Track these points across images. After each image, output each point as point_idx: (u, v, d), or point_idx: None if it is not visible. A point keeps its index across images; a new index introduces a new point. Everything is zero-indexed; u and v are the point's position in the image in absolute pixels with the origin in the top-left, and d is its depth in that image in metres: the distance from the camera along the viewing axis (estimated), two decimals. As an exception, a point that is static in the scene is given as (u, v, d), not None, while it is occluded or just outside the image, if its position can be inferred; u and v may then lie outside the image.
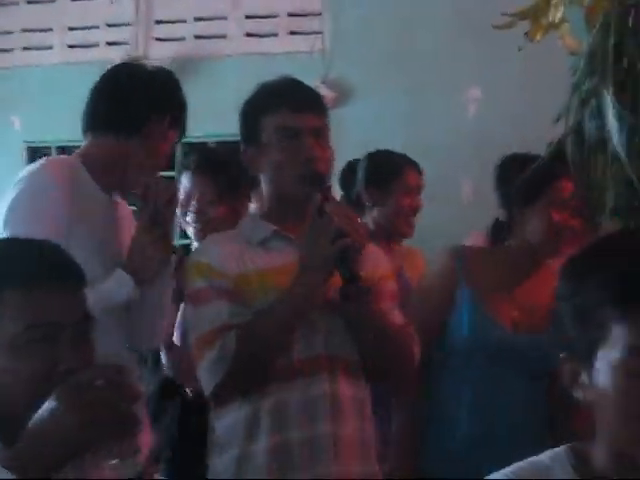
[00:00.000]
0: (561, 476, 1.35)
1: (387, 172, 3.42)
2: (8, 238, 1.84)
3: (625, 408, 1.29)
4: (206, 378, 2.27)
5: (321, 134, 2.35)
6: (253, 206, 3.20)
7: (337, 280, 2.24)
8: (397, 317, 2.40)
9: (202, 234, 3.05)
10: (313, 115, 2.35)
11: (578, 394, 1.35)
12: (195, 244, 3.12)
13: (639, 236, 1.45)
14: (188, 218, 3.15)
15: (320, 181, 2.29)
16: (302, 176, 2.29)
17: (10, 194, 2.44)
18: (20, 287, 1.61)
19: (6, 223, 2.36)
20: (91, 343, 1.64)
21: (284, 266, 2.28)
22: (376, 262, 2.42)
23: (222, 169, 3.22)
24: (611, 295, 1.29)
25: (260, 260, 2.31)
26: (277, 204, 2.37)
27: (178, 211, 2.95)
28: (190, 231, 3.19)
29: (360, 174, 3.44)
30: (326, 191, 2.27)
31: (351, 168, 3.57)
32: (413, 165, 3.48)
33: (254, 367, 2.25)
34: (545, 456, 1.40)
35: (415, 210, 3.45)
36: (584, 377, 1.34)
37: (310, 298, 2.26)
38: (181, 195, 3.14)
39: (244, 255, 2.31)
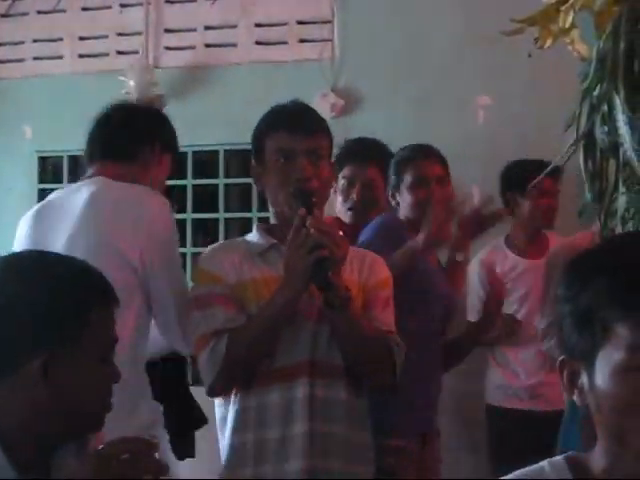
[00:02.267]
0: None
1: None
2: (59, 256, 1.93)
3: (628, 408, 1.28)
4: (202, 376, 2.55)
5: (316, 155, 2.56)
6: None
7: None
8: (387, 322, 2.61)
9: None
10: (308, 137, 2.56)
11: (576, 397, 1.35)
12: None
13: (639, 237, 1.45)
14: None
15: (307, 198, 2.49)
16: (292, 194, 2.52)
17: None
18: (104, 305, 1.71)
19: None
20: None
21: (279, 277, 2.49)
22: (372, 270, 2.64)
23: None
24: (613, 296, 1.29)
25: (257, 270, 2.56)
26: (276, 219, 2.63)
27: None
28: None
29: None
30: (310, 206, 2.47)
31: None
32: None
33: (240, 368, 2.50)
34: (545, 464, 1.40)
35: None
36: (583, 380, 1.34)
37: (288, 306, 2.48)
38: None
39: (243, 265, 2.56)
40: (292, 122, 2.58)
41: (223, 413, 2.58)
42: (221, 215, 5.20)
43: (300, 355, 2.50)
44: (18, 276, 1.71)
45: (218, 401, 2.60)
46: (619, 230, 2.15)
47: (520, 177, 3.97)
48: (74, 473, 1.63)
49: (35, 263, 1.77)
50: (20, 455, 1.62)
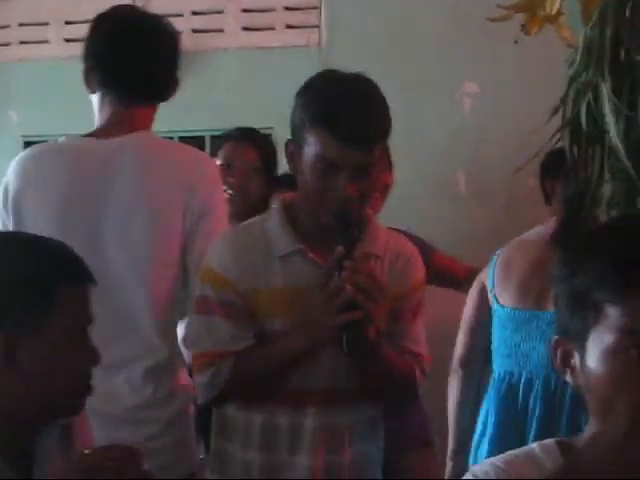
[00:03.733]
0: (552, 467, 1.35)
1: None
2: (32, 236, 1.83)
3: (617, 389, 1.29)
4: (199, 392, 2.30)
5: (365, 169, 2.11)
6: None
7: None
8: (417, 338, 2.33)
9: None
10: (360, 149, 2.09)
11: (569, 377, 1.37)
12: None
13: (636, 220, 1.47)
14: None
15: (347, 228, 2.10)
16: (328, 212, 2.12)
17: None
18: (73, 284, 1.64)
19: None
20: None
21: (297, 288, 2.18)
22: (405, 271, 2.29)
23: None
24: (606, 276, 1.30)
25: (274, 278, 2.20)
26: (305, 212, 2.23)
27: None
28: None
29: None
30: (350, 245, 2.09)
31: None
32: None
33: (243, 394, 2.25)
34: (535, 446, 1.40)
35: None
36: (575, 360, 1.35)
37: (307, 351, 2.18)
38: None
39: (259, 268, 2.20)
40: (344, 126, 2.06)
41: (225, 420, 2.32)
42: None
43: (315, 381, 2.22)
44: None
45: (224, 411, 2.34)
46: (604, 218, 2.15)
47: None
48: (57, 474, 1.61)
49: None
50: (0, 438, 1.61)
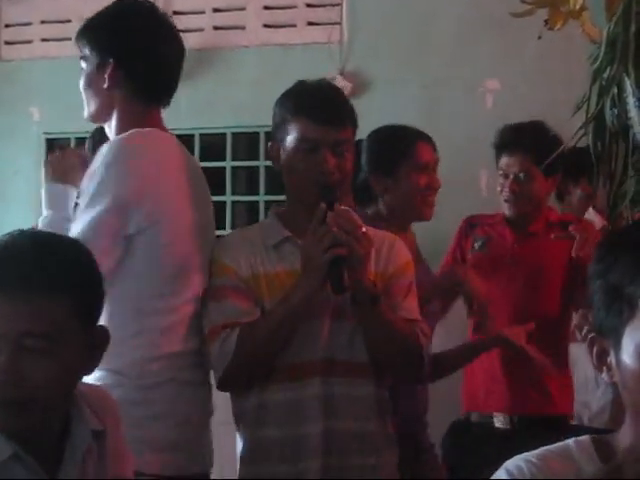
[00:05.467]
0: (587, 465, 1.33)
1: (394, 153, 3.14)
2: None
3: None
4: (213, 368, 2.51)
5: (342, 147, 2.48)
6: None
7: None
8: (411, 310, 2.54)
9: None
10: (335, 129, 2.48)
11: (605, 375, 1.35)
12: None
13: None
14: None
15: (329, 193, 2.43)
16: (314, 187, 2.45)
17: None
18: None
19: None
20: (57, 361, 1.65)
21: (292, 271, 2.45)
22: (390, 256, 2.56)
23: None
24: (639, 273, 1.28)
25: (270, 264, 2.50)
26: (293, 207, 2.56)
27: None
28: None
29: (364, 158, 3.19)
30: (332, 201, 2.40)
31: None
32: (424, 139, 3.19)
33: (251, 364, 2.46)
34: (570, 442, 1.38)
35: (434, 188, 3.15)
36: (611, 357, 1.34)
37: (303, 303, 2.41)
38: None
39: (257, 258, 2.50)
40: (320, 111, 2.48)
41: (239, 408, 2.53)
42: (228, 198, 5.19)
43: (314, 353, 2.44)
44: None
45: (235, 395, 2.54)
46: (627, 213, 2.14)
47: (574, 165, 3.84)
48: None
49: None
50: None
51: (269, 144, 2.58)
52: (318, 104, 2.50)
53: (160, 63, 2.60)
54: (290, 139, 2.50)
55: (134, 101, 2.58)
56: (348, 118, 2.54)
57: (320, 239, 2.36)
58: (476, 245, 3.51)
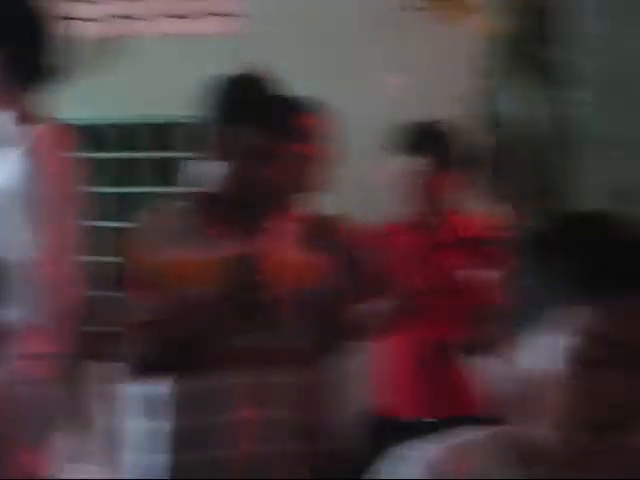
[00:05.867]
0: (502, 456, 1.33)
1: None
2: None
3: (568, 393, 1.26)
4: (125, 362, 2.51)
5: (277, 154, 2.53)
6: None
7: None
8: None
9: None
10: (271, 135, 2.52)
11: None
12: None
13: (605, 220, 1.41)
14: None
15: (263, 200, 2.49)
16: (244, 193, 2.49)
17: None
18: None
19: None
20: None
21: (202, 262, 2.45)
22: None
23: None
24: (571, 278, 1.26)
25: (178, 252, 2.47)
26: (210, 202, 2.55)
27: None
28: None
29: None
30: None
31: None
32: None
33: (163, 359, 2.45)
34: (481, 434, 1.38)
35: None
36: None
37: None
38: None
39: (166, 245, 2.48)
40: (263, 119, 2.55)
41: (154, 395, 2.49)
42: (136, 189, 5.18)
43: (240, 342, 2.44)
44: None
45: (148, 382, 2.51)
46: (525, 207, 2.18)
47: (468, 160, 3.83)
48: None
49: None
50: None
51: (221, 138, 2.58)
52: (263, 110, 2.60)
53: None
54: (231, 142, 2.55)
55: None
56: (290, 124, 2.67)
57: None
58: None
